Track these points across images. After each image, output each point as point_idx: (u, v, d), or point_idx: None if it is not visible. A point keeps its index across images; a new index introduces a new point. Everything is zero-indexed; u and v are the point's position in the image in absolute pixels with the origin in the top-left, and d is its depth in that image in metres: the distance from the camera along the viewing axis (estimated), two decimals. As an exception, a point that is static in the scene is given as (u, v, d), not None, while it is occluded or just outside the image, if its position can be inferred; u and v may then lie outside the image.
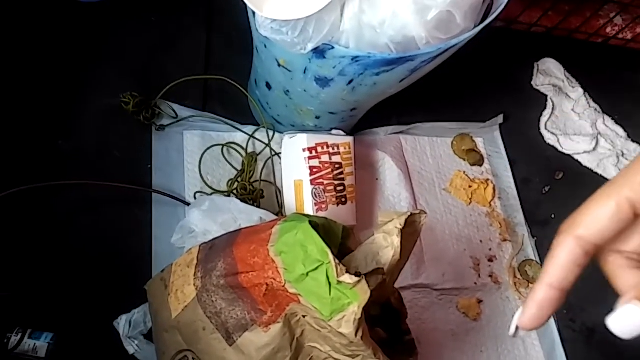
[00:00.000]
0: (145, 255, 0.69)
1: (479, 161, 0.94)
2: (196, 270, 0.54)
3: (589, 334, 0.86)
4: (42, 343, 0.59)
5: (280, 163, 0.80)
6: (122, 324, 0.62)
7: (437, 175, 0.91)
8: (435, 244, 0.85)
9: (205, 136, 0.79)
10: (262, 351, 0.47)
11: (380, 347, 0.47)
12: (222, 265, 0.51)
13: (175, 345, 0.54)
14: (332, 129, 0.78)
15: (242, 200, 0.70)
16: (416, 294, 0.80)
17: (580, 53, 1.11)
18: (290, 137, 0.76)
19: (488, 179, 0.93)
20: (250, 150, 0.80)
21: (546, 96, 1.05)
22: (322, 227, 0.49)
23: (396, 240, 0.47)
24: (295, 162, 0.75)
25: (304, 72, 0.62)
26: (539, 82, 1.06)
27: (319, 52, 0.57)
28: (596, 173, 1.00)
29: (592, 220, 0.25)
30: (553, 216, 0.94)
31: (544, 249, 0.91)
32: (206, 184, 0.76)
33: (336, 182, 0.75)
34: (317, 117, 0.75)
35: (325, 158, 0.74)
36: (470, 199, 0.90)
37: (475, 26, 0.58)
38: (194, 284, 0.53)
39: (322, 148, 0.74)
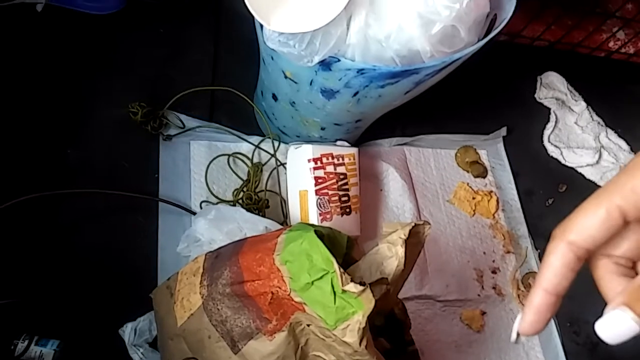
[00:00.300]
0: (151, 263, 0.70)
1: (482, 173, 0.95)
2: (202, 278, 0.54)
3: (592, 347, 0.86)
4: (49, 350, 0.60)
5: (285, 173, 0.81)
6: (127, 331, 0.63)
7: (441, 186, 0.91)
8: (439, 255, 0.85)
9: (212, 146, 0.80)
10: (266, 359, 0.48)
11: (384, 357, 0.47)
12: (228, 274, 0.51)
13: (181, 353, 0.54)
14: (337, 140, 0.79)
15: (248, 210, 0.71)
16: (420, 305, 0.80)
17: (583, 67, 1.12)
18: (296, 148, 0.77)
19: (491, 191, 0.94)
20: (255, 160, 0.81)
21: (549, 109, 1.06)
22: (327, 237, 0.50)
23: (400, 251, 0.47)
24: (300, 172, 0.75)
25: (310, 84, 0.63)
26: (542, 95, 1.07)
27: (325, 64, 0.58)
28: (599, 186, 1.00)
29: (583, 226, 0.26)
30: (556, 228, 0.94)
31: (547, 261, 0.91)
32: (212, 193, 0.77)
33: (341, 193, 0.75)
34: (323, 128, 0.76)
35: (330, 169, 0.75)
36: (474, 210, 0.91)
37: (479, 40, 0.59)
38: (200, 292, 0.53)
39: (327, 159, 0.75)
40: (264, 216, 0.73)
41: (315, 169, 0.74)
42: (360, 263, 0.50)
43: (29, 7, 0.80)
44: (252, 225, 0.67)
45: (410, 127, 0.93)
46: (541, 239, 0.93)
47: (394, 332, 0.57)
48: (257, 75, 0.79)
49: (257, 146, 0.82)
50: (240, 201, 0.77)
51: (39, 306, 0.64)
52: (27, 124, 0.74)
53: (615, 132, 1.06)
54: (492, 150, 0.98)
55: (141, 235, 0.72)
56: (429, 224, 0.51)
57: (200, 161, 0.79)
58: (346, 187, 0.76)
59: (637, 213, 0.25)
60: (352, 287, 0.43)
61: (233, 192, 0.78)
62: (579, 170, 1.01)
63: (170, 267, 0.69)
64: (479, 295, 0.84)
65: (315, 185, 0.73)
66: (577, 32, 1.08)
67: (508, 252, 0.90)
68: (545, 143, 1.03)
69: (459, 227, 0.89)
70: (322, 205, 0.74)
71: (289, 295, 0.47)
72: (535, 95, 1.07)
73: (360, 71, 0.57)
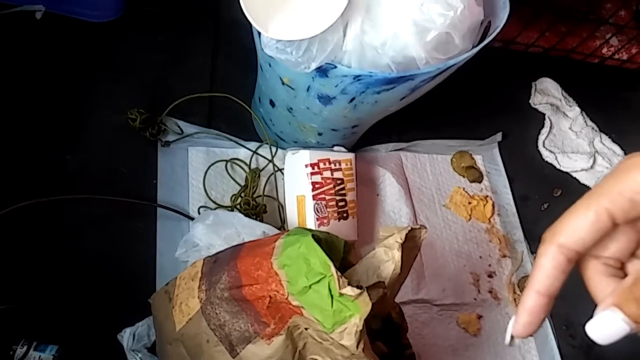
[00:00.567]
0: (149, 268, 0.70)
1: (478, 178, 0.95)
2: (200, 283, 0.55)
3: (588, 349, 0.87)
4: (47, 355, 0.60)
5: (282, 179, 0.81)
6: (126, 336, 0.63)
7: (437, 191, 0.92)
8: (435, 259, 0.86)
9: (210, 152, 0.81)
10: (265, 363, 0.48)
11: None
12: (226, 278, 0.52)
13: (179, 357, 0.54)
14: (334, 146, 0.80)
15: (246, 215, 0.71)
16: (416, 309, 0.81)
17: (577, 73, 1.13)
18: (293, 153, 0.78)
19: (487, 196, 0.94)
20: (253, 166, 0.82)
21: (544, 115, 1.07)
22: (325, 241, 0.50)
23: (397, 254, 0.48)
24: (297, 177, 0.76)
25: (307, 90, 0.64)
26: (537, 101, 1.08)
27: (322, 71, 0.58)
28: (594, 190, 1.02)
29: (572, 228, 0.27)
30: (552, 233, 0.95)
31: (543, 265, 0.91)
32: (210, 198, 0.78)
33: (338, 198, 0.76)
34: (320, 134, 0.77)
35: (327, 174, 0.76)
36: (470, 215, 0.92)
37: (473, 47, 0.60)
38: (198, 297, 0.54)
39: (324, 164, 0.76)
40: (261, 221, 0.73)
41: (312, 174, 0.75)
42: (357, 267, 0.51)
43: (29, 15, 0.81)
44: (250, 230, 0.68)
45: (406, 133, 0.94)
46: (537, 243, 0.93)
47: (391, 336, 0.58)
48: (254, 82, 0.80)
49: (254, 152, 0.82)
50: (238, 206, 0.77)
51: (37, 311, 0.64)
52: (27, 130, 0.74)
53: (609, 137, 1.07)
54: (488, 155, 0.99)
55: (139, 241, 0.72)
56: (425, 228, 0.52)
57: (199, 167, 0.79)
58: (343, 192, 0.77)
59: (624, 215, 0.26)
60: (349, 291, 0.44)
61: (231, 198, 0.79)
62: (574, 175, 1.02)
63: (169, 272, 0.69)
64: (475, 299, 0.85)
65: (313, 190, 0.74)
66: (571, 39, 1.09)
67: (504, 256, 0.90)
68: (540, 148, 1.04)
69: (455, 232, 0.90)
70: (319, 210, 0.74)
71: (286, 299, 0.47)
72: (530, 101, 1.09)
73: (357, 77, 0.58)
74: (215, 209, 0.77)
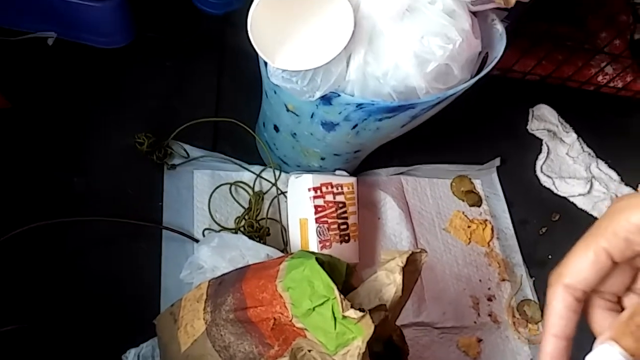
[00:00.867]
0: (154, 290, 0.71)
1: (477, 202, 0.97)
2: (206, 304, 0.56)
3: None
4: (53, 375, 0.61)
5: (286, 202, 0.83)
6: (130, 357, 0.64)
7: (437, 215, 0.94)
8: (436, 283, 0.87)
9: (215, 175, 0.83)
10: (269, 384, 0.49)
11: (382, 381, 0.48)
12: (231, 300, 0.53)
13: (184, 378, 0.55)
14: (336, 170, 0.81)
15: (249, 237, 0.72)
16: (417, 332, 0.81)
17: (573, 100, 1.16)
18: (296, 177, 0.79)
19: (486, 220, 0.96)
20: (257, 189, 0.83)
21: (541, 140, 1.09)
22: (328, 264, 0.51)
23: (398, 278, 0.49)
24: (300, 201, 0.78)
25: (311, 117, 0.66)
26: (534, 126, 1.10)
27: (326, 99, 0.60)
28: (591, 215, 1.03)
29: (576, 269, 0.28)
30: (550, 257, 0.96)
31: (542, 289, 0.92)
32: (215, 221, 0.79)
33: (340, 221, 0.78)
34: (322, 158, 0.78)
35: (329, 197, 0.77)
36: (469, 238, 0.93)
37: (472, 77, 0.63)
38: (204, 318, 0.55)
39: (327, 188, 0.77)
40: (265, 243, 0.74)
41: (315, 197, 0.76)
42: (359, 290, 0.52)
43: (41, 41, 0.84)
44: (254, 252, 0.69)
45: (407, 157, 0.96)
46: (535, 267, 0.95)
47: (393, 359, 0.58)
48: (259, 108, 0.82)
49: (258, 175, 0.84)
50: (242, 229, 0.79)
51: (43, 332, 0.65)
52: (35, 152, 0.76)
53: (606, 162, 1.09)
54: (487, 180, 1.01)
55: (144, 262, 0.73)
56: (426, 251, 0.53)
57: (204, 190, 0.81)
58: (345, 215, 0.78)
59: (621, 254, 0.27)
60: (352, 313, 0.45)
61: (235, 220, 0.80)
62: (571, 199, 1.04)
63: (174, 294, 0.70)
64: (475, 322, 0.86)
65: (315, 213, 0.76)
66: (567, 67, 1.12)
67: (503, 279, 0.91)
68: (538, 173, 1.05)
69: (455, 255, 0.91)
70: (321, 233, 0.75)
71: (290, 321, 0.48)
72: (528, 127, 1.11)
73: (359, 106, 0.60)
74: (219, 231, 0.78)
